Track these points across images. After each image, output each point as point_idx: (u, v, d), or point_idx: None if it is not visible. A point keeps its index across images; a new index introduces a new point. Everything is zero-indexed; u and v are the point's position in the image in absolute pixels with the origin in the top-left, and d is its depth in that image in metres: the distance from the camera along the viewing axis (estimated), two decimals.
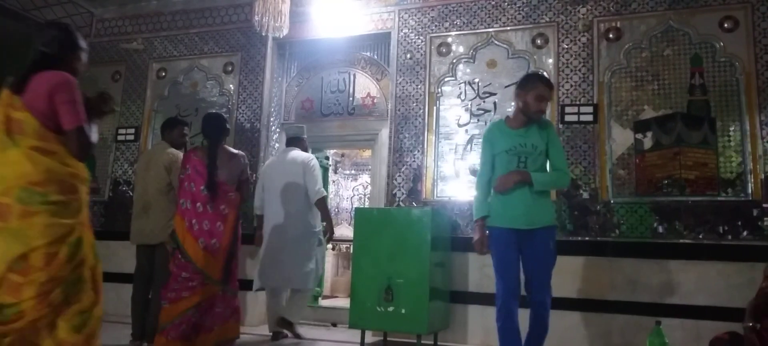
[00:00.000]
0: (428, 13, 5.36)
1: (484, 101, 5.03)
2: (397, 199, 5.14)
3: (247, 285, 5.47)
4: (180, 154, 4.06)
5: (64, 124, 2.19)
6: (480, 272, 4.74)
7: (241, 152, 3.78)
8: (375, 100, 5.76)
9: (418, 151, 5.15)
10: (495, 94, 5.01)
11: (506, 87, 4.98)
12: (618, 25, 4.77)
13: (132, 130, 6.23)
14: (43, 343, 2.06)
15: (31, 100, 2.16)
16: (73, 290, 2.16)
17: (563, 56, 4.87)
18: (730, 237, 4.21)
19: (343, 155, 10.54)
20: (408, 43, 5.38)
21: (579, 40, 4.85)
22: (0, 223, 2.08)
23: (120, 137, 6.26)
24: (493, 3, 5.16)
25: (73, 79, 2.29)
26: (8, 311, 2.02)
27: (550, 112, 4.80)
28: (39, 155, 2.14)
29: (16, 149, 2.12)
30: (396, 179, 5.18)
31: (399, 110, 5.28)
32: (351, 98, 5.86)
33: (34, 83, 2.19)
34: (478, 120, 5.02)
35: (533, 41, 4.98)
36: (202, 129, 3.95)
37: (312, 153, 5.34)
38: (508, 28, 5.07)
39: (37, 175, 2.13)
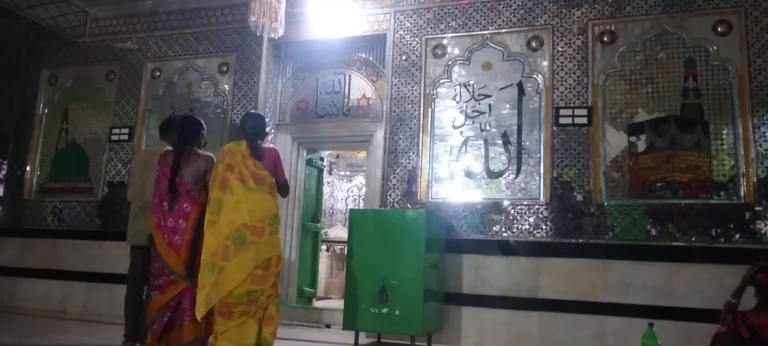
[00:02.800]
0: (424, 15, 5.36)
1: (479, 103, 5.04)
2: (391, 200, 5.14)
3: None
4: None
5: (279, 177, 3.59)
6: (474, 273, 4.75)
7: (208, 153, 3.80)
8: (370, 102, 5.76)
9: (413, 152, 5.15)
10: (490, 96, 5.02)
11: (501, 89, 4.99)
12: (612, 28, 4.80)
13: (126, 130, 6.21)
14: (270, 310, 3.36)
15: (267, 164, 3.51)
16: (278, 280, 3.49)
17: (558, 59, 4.89)
18: (722, 240, 4.23)
19: (337, 156, 10.53)
20: (403, 44, 5.38)
21: (574, 43, 4.87)
22: (257, 238, 3.33)
23: (114, 137, 6.24)
24: (489, 5, 5.17)
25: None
26: (256, 293, 3.31)
27: (543, 114, 4.82)
28: (273, 197, 3.50)
29: (261, 193, 3.43)
30: (391, 181, 5.19)
31: (394, 112, 5.29)
32: (346, 99, 5.86)
33: (266, 153, 3.56)
34: (473, 122, 5.03)
35: (528, 44, 5.00)
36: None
37: (306, 154, 6.22)
38: (504, 30, 5.08)
39: (275, 208, 3.48)
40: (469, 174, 4.96)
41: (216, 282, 3.26)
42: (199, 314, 3.30)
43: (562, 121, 4.78)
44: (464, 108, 5.08)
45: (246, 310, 3.28)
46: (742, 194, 4.26)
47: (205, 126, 3.96)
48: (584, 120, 4.72)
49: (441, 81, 5.20)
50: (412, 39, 5.36)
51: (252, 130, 3.60)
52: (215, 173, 3.50)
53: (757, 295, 3.06)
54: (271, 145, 3.68)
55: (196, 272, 3.54)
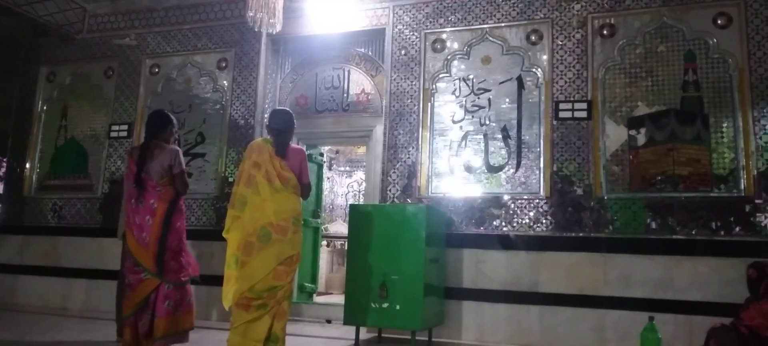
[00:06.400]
0: (423, 9, 5.35)
1: (478, 97, 5.03)
2: (391, 195, 5.14)
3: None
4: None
5: (304, 179, 3.59)
6: (475, 268, 4.75)
7: (173, 147, 3.78)
8: (369, 97, 5.75)
9: (413, 147, 5.15)
10: (489, 90, 5.01)
11: (501, 83, 4.98)
12: (612, 21, 4.78)
13: (125, 127, 6.20)
14: (283, 306, 3.43)
15: (291, 165, 3.52)
16: (294, 277, 3.65)
17: (557, 53, 4.88)
18: (722, 233, 4.23)
19: (337, 152, 10.53)
20: (402, 39, 5.37)
21: (573, 36, 4.86)
22: (281, 236, 3.39)
23: (113, 134, 6.23)
24: None
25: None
26: (276, 289, 3.38)
27: (542, 108, 4.82)
28: (297, 197, 3.55)
29: (286, 193, 3.47)
30: (391, 176, 5.18)
31: (393, 107, 5.28)
32: (345, 95, 5.85)
33: (292, 153, 3.56)
34: (473, 116, 5.02)
35: (528, 37, 4.99)
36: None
37: (306, 150, 6.01)
38: (503, 24, 5.07)
39: (299, 208, 3.54)
40: (468, 169, 4.96)
41: (239, 276, 3.35)
42: (227, 304, 3.41)
43: (561, 115, 4.77)
44: (464, 102, 5.07)
45: (264, 304, 3.34)
46: (742, 186, 4.25)
47: (174, 121, 3.88)
48: (584, 114, 4.71)
49: (440, 75, 5.19)
50: (411, 33, 5.35)
51: (276, 126, 3.59)
52: (241, 169, 3.55)
53: (749, 290, 3.08)
54: (299, 146, 3.67)
55: (166, 268, 3.56)
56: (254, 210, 3.41)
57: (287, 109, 3.87)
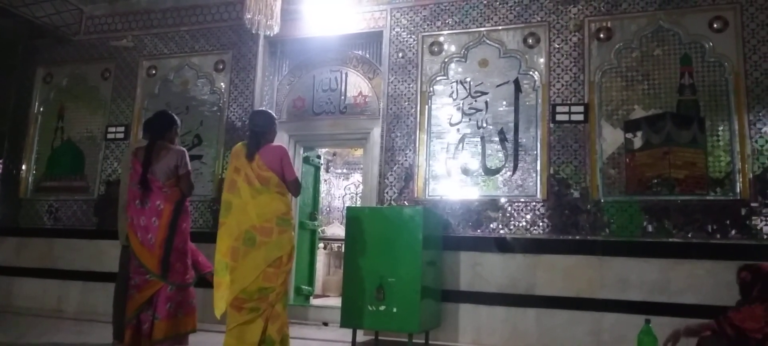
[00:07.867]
0: (420, 12, 5.36)
1: (475, 100, 5.04)
2: (388, 198, 5.14)
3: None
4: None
5: (287, 176, 3.49)
6: (472, 270, 4.75)
7: (180, 147, 3.77)
8: (367, 99, 5.75)
9: (410, 150, 5.15)
10: (487, 93, 5.02)
11: (498, 86, 4.99)
12: (609, 24, 4.80)
13: (121, 129, 6.19)
14: (276, 309, 3.37)
15: (269, 164, 3.43)
16: (288, 278, 3.51)
17: (554, 56, 4.89)
18: (718, 236, 4.24)
19: (334, 154, 10.54)
20: (400, 41, 5.38)
21: (570, 39, 4.87)
22: (266, 238, 3.35)
23: (109, 136, 6.22)
24: (485, 2, 5.17)
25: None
26: (267, 291, 3.33)
27: (539, 111, 4.83)
28: (281, 196, 3.46)
29: (268, 194, 3.41)
30: (388, 178, 5.18)
31: (391, 109, 5.28)
32: (343, 97, 5.85)
33: (267, 153, 3.46)
34: (470, 119, 5.03)
35: (525, 41, 5.00)
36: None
37: (303, 152, 6.13)
38: (500, 27, 5.08)
39: (284, 208, 3.44)
40: (465, 171, 4.97)
41: (231, 281, 3.35)
42: (219, 312, 3.38)
43: (558, 118, 4.78)
44: (461, 105, 5.08)
45: (256, 307, 3.33)
46: (738, 190, 4.27)
47: (178, 121, 3.92)
48: (581, 117, 4.73)
49: (437, 78, 5.20)
50: (409, 36, 5.36)
51: (252, 128, 3.59)
52: (227, 175, 3.56)
53: (740, 293, 3.10)
54: (278, 144, 3.63)
55: (171, 270, 3.54)
56: (238, 214, 3.40)
57: (266, 110, 3.88)
